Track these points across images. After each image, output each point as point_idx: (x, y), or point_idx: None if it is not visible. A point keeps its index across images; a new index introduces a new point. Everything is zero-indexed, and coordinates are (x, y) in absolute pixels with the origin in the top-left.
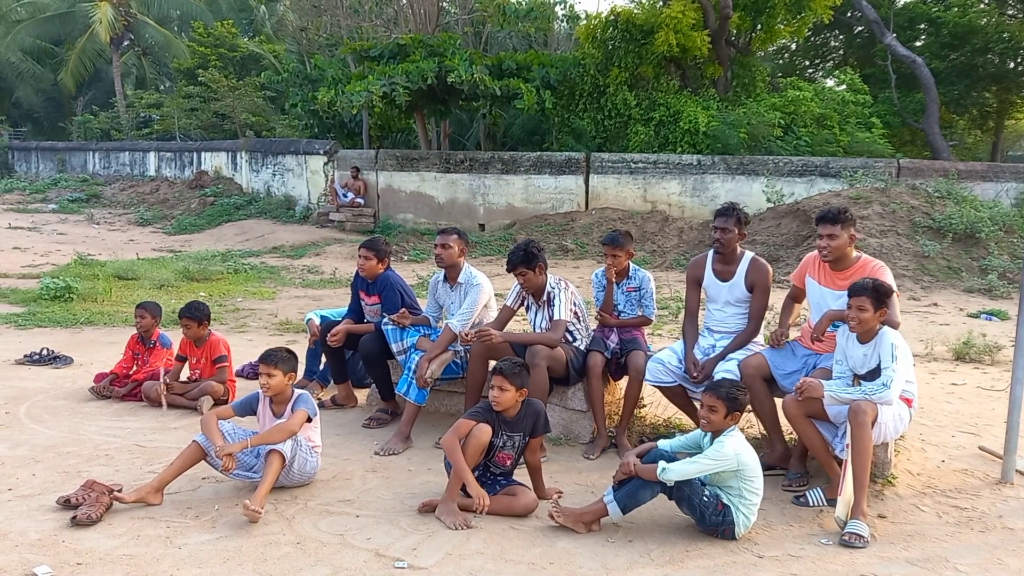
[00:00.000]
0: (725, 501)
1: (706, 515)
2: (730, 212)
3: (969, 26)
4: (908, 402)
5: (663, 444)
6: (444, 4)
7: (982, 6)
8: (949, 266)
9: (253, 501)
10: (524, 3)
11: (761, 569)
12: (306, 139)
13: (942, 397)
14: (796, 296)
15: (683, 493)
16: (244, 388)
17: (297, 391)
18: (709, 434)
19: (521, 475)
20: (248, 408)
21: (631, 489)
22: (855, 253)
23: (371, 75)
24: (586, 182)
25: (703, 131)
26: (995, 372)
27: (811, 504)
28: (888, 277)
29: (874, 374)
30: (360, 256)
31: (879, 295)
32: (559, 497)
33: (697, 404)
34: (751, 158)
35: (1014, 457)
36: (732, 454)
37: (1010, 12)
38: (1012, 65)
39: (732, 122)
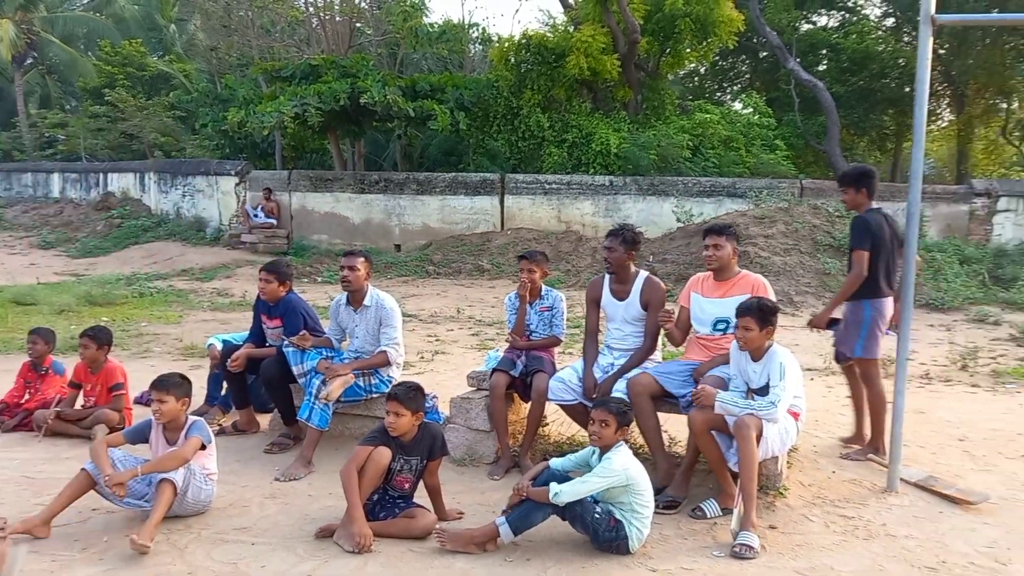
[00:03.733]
0: (618, 516)
1: (599, 532)
2: (617, 233)
3: (867, 52)
4: (795, 416)
5: (554, 463)
6: (357, 25)
7: (879, 33)
8: None
9: (141, 534)
10: (437, 26)
11: None
12: (217, 160)
13: (837, 410)
14: (684, 325)
15: (575, 512)
16: (142, 416)
17: (192, 418)
18: (597, 450)
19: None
20: (140, 435)
21: (523, 512)
22: (737, 268)
23: (283, 95)
24: (501, 203)
25: (615, 152)
26: (889, 385)
27: (708, 516)
28: (769, 292)
29: (766, 390)
30: (261, 279)
31: (763, 314)
32: (460, 518)
33: None
34: (661, 179)
35: (898, 466)
36: (620, 469)
37: (906, 39)
38: (908, 89)
39: (643, 144)
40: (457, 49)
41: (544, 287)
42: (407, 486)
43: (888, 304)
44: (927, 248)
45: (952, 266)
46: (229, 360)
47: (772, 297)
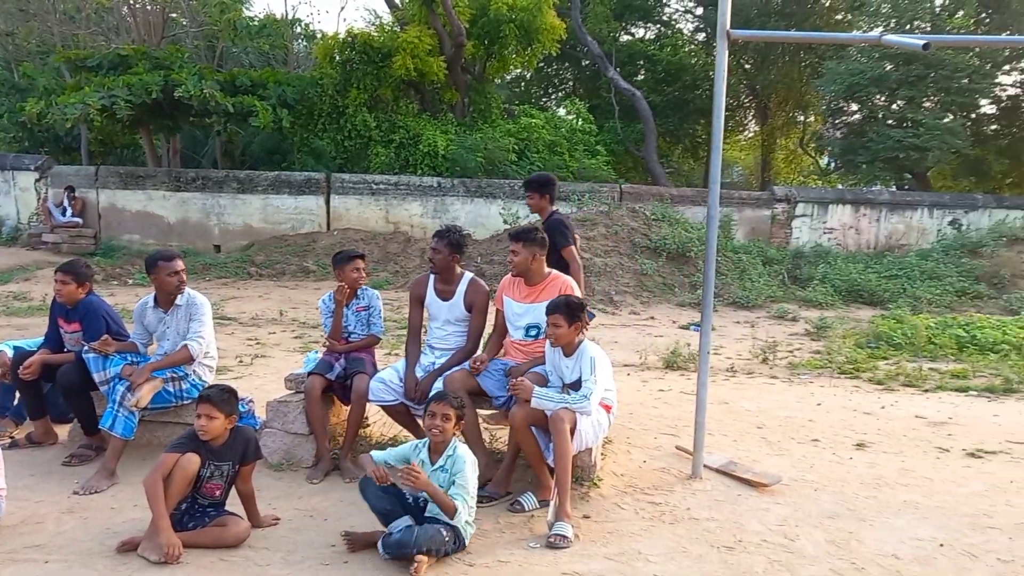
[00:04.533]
0: (454, 523)
1: (449, 551)
2: (444, 235)
3: (681, 64)
4: (608, 409)
5: (376, 455)
6: (172, 16)
7: (691, 47)
8: (664, 282)
9: None
10: (258, 20)
11: None
12: (14, 154)
13: (650, 403)
14: (500, 328)
15: (420, 545)
16: None
17: None
18: (421, 446)
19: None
20: None
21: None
22: (546, 270)
23: (88, 86)
24: (327, 202)
25: (442, 154)
26: (694, 378)
27: (526, 509)
28: (577, 292)
29: (578, 384)
30: (57, 280)
31: (571, 311)
32: (275, 524)
33: (420, 421)
34: (488, 181)
35: (702, 453)
36: (472, 468)
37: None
38: None
39: (470, 146)
40: (279, 45)
41: (360, 287)
42: (218, 493)
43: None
44: (734, 250)
45: (756, 267)
46: (22, 368)
47: (579, 295)
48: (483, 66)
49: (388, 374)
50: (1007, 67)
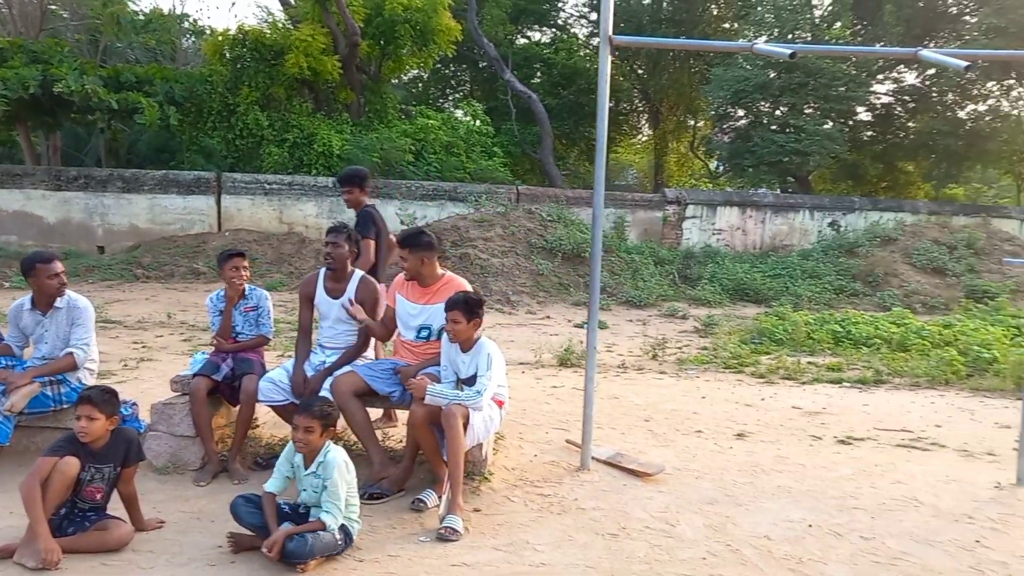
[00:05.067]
0: (343, 522)
1: (338, 552)
2: (341, 229)
3: (575, 68)
4: (500, 404)
5: (270, 486)
6: (51, 7)
7: (585, 51)
8: (560, 282)
9: None
10: (143, 14)
11: (360, 572)
12: None
13: (543, 399)
14: (389, 323)
15: (306, 551)
16: None
17: None
18: (298, 456)
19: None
20: None
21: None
22: (440, 271)
23: None
24: (218, 202)
25: (337, 154)
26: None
27: (429, 506)
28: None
29: (474, 380)
30: None
31: (470, 307)
32: (160, 526)
33: None
34: (385, 182)
35: (590, 446)
36: (344, 464)
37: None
38: (611, 104)
39: (365, 146)
40: (166, 40)
41: (248, 286)
42: (99, 497)
43: (381, 288)
44: (628, 251)
45: (648, 267)
46: None
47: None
48: (379, 66)
49: (278, 374)
50: (881, 76)
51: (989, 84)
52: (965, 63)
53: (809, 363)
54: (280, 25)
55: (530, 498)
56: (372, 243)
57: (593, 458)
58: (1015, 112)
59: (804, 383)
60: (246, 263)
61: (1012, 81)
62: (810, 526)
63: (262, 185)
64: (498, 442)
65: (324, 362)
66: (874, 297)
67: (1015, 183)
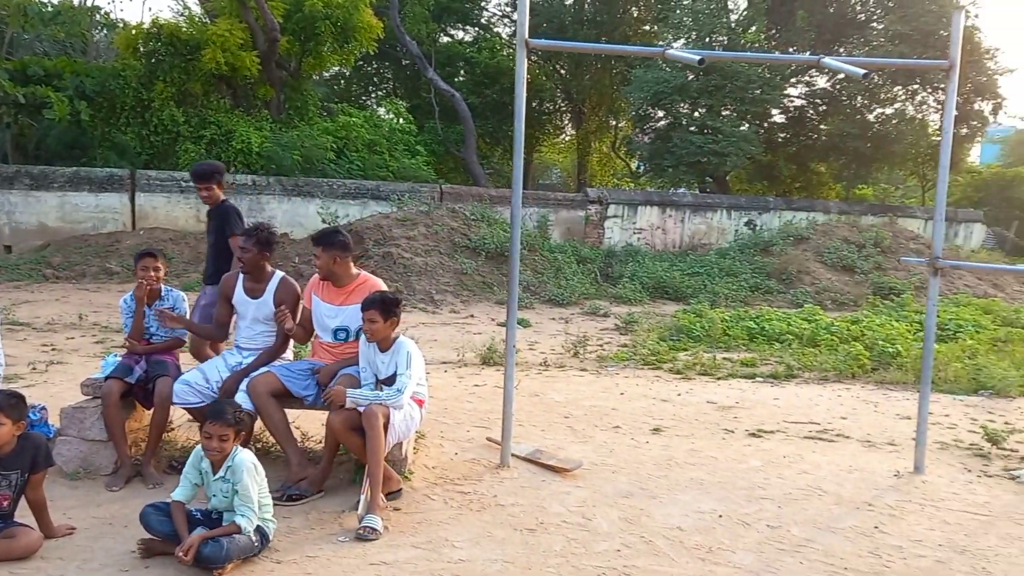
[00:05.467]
0: (258, 523)
1: (256, 553)
2: (251, 233)
3: (498, 67)
4: (420, 403)
5: (177, 495)
6: None
7: (508, 51)
8: (484, 281)
9: None
10: (52, 5)
11: (278, 573)
12: None
13: (464, 398)
14: (306, 325)
15: (222, 555)
16: None
17: None
18: (205, 456)
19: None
20: None
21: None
22: (355, 271)
23: None
24: (132, 200)
25: (257, 151)
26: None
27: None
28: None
29: (393, 379)
30: None
31: (387, 306)
32: (71, 533)
33: None
34: (306, 180)
35: (510, 443)
36: (253, 466)
37: (533, 57)
38: (535, 104)
39: (286, 144)
40: (76, 33)
41: (164, 287)
42: (6, 504)
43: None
44: (551, 250)
45: (571, 265)
46: None
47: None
48: (299, 62)
49: (193, 376)
50: (793, 80)
51: (895, 89)
52: (863, 71)
53: (725, 359)
54: (196, 19)
55: (450, 496)
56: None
57: (513, 455)
58: (919, 116)
59: (719, 378)
60: (160, 263)
61: (916, 86)
62: (720, 516)
63: (178, 183)
64: (419, 441)
65: (241, 363)
66: (787, 294)
67: (919, 184)
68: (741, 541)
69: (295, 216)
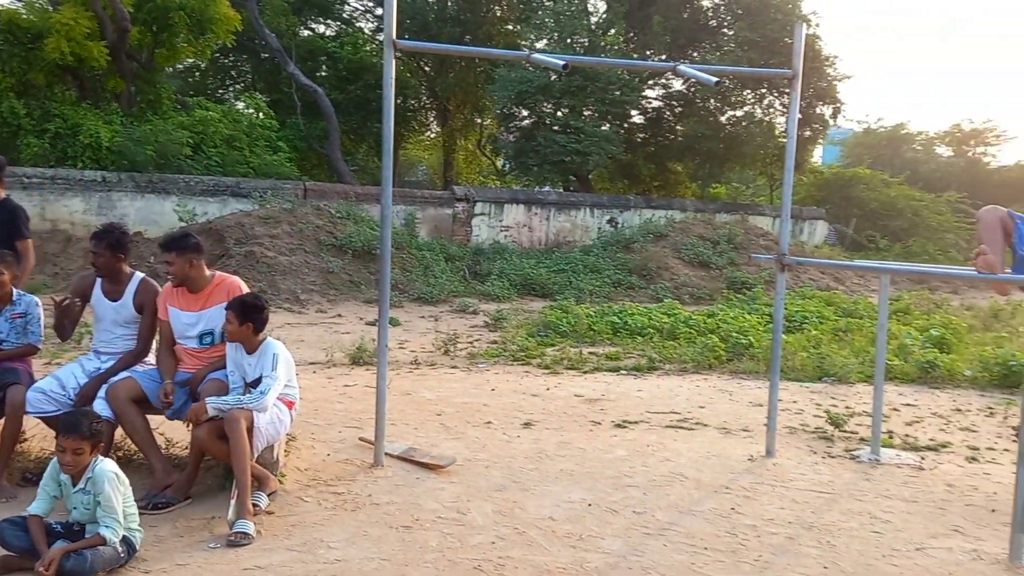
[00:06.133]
0: (123, 533)
1: (121, 562)
2: (102, 236)
3: (362, 63)
4: (290, 404)
5: (34, 508)
6: None
7: (372, 46)
8: (351, 280)
9: None
10: None
11: None
12: None
13: (335, 398)
14: (168, 339)
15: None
16: None
17: None
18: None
19: None
20: None
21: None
22: (208, 273)
23: None
24: None
25: (107, 146)
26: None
27: (262, 507)
28: (244, 290)
29: (260, 382)
30: None
31: (244, 310)
32: None
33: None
34: (161, 176)
35: (383, 442)
36: (115, 476)
37: (397, 55)
38: (400, 101)
39: (138, 138)
40: None
41: (16, 291)
42: None
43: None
44: (419, 248)
45: (439, 263)
46: None
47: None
48: (151, 54)
49: (48, 383)
50: (651, 82)
51: (745, 92)
52: (715, 79)
53: (591, 353)
54: (38, 6)
55: (324, 497)
56: (30, 243)
57: (387, 454)
58: (767, 119)
59: (586, 372)
60: (4, 267)
61: (764, 90)
62: (589, 505)
63: (20, 179)
64: (290, 443)
65: (99, 368)
66: (648, 290)
67: (768, 183)
68: (609, 527)
69: (149, 214)
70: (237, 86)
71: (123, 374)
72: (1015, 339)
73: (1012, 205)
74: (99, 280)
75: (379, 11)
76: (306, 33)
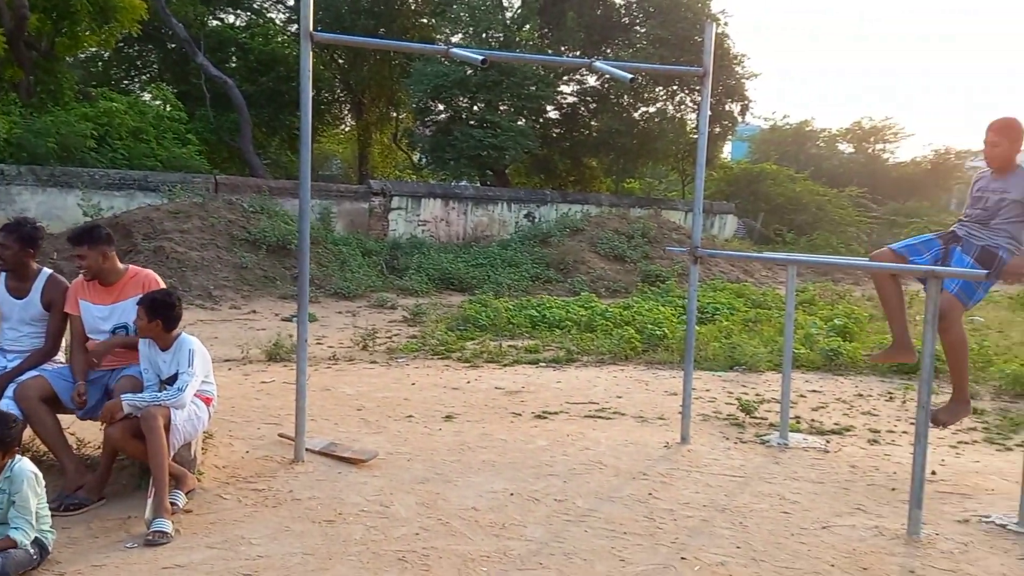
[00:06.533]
0: (35, 535)
1: (34, 564)
2: (13, 229)
3: (273, 55)
4: (208, 401)
5: None
6: None
7: (284, 38)
8: (266, 275)
9: None
10: None
11: None
12: None
13: (252, 395)
14: (79, 336)
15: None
16: None
17: None
18: None
19: None
20: None
21: None
22: (122, 266)
23: None
24: None
25: (5, 138)
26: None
27: (180, 506)
28: (159, 283)
29: (175, 379)
30: None
31: (153, 308)
32: None
33: None
34: (64, 169)
35: (303, 438)
36: (33, 476)
37: (314, 48)
38: (314, 93)
39: (39, 130)
40: None
41: None
42: None
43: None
44: (335, 242)
45: (356, 258)
46: None
47: (163, 286)
48: (52, 42)
49: None
50: (566, 78)
51: (657, 89)
52: (631, 75)
53: (510, 346)
54: None
55: (243, 494)
56: None
57: (307, 450)
58: (679, 115)
59: (505, 365)
60: None
61: (676, 87)
62: (511, 494)
63: None
64: (207, 441)
65: (6, 366)
66: (565, 283)
67: (680, 178)
68: (531, 516)
69: (52, 209)
70: (143, 77)
71: (32, 373)
72: (911, 328)
73: (908, 199)
74: (4, 277)
75: (291, 1)
76: (215, 23)
